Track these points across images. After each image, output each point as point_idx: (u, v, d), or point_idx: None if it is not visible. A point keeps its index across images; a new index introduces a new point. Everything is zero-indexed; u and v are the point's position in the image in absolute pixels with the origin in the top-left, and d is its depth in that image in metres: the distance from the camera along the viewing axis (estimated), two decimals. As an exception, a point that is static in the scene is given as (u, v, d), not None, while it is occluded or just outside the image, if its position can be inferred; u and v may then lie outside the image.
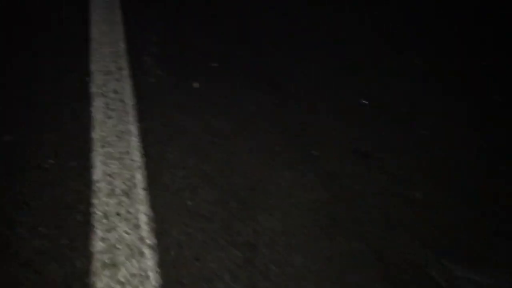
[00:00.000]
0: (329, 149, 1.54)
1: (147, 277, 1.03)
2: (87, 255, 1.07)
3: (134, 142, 1.44)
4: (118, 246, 1.10)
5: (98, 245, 1.09)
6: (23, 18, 2.03)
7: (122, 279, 1.02)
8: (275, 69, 1.94)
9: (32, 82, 1.64)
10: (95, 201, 1.21)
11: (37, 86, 1.63)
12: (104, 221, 1.16)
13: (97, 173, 1.30)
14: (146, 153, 1.41)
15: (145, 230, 1.15)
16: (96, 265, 1.05)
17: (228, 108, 1.67)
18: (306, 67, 1.99)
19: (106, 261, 1.06)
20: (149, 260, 1.08)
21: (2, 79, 1.65)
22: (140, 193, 1.26)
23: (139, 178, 1.31)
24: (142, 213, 1.20)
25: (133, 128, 1.49)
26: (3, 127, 1.42)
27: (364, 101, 1.83)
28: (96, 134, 1.44)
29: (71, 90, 1.63)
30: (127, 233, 1.13)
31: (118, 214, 1.18)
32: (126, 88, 1.67)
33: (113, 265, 1.05)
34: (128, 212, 1.19)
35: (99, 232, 1.13)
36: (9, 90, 1.59)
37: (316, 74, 1.96)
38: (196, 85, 1.78)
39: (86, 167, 1.32)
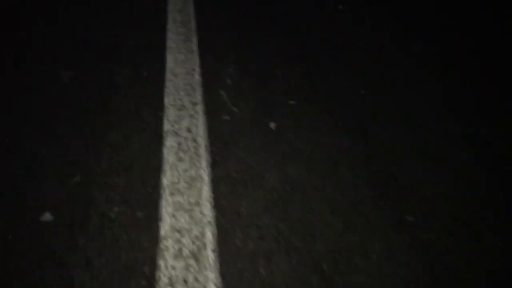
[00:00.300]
0: (425, 214, 1.33)
1: None
2: (148, 333, 0.94)
3: (206, 191, 1.31)
4: (183, 324, 0.96)
5: (161, 321, 0.96)
6: (98, 44, 2.01)
7: None
8: (362, 111, 1.74)
9: (102, 116, 1.58)
10: (161, 262, 1.09)
11: (108, 120, 1.56)
12: (170, 289, 1.03)
13: (165, 227, 1.18)
14: (218, 205, 1.27)
15: (213, 305, 1.01)
16: None
17: (307, 155, 1.50)
18: (396, 107, 1.78)
19: None
20: None
21: (69, 111, 1.60)
22: (210, 256, 1.12)
23: (209, 236, 1.17)
24: (211, 282, 1.06)
25: (205, 174, 1.36)
26: (70, 167, 1.35)
27: (463, 153, 1.59)
28: (167, 180, 1.33)
29: (143, 126, 1.55)
30: (193, 307, 1.00)
31: (185, 281, 1.05)
32: (200, 126, 1.56)
33: None
34: (196, 279, 1.06)
35: (163, 303, 1.00)
36: (79, 126, 1.54)
37: (408, 116, 1.74)
38: (272, 125, 1.63)
39: (153, 219, 1.21)
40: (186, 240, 1.15)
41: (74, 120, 1.55)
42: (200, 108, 1.66)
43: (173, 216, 1.22)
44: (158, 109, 1.64)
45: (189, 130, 1.54)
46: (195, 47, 2.05)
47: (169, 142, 1.48)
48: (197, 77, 1.84)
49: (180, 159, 1.41)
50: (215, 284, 1.05)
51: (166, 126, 1.56)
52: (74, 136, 1.48)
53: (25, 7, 2.24)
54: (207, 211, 1.25)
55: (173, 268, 1.08)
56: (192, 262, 1.10)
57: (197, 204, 1.26)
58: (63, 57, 1.89)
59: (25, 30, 2.05)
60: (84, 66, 1.84)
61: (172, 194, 1.29)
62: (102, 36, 2.05)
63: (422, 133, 1.66)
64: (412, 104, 1.82)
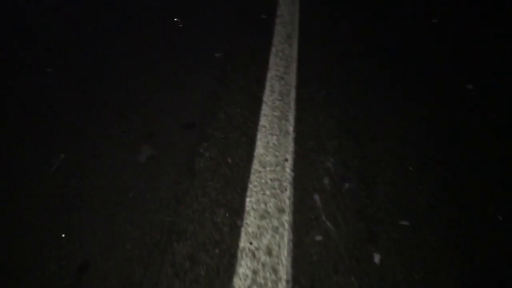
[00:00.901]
0: None
1: None
2: None
3: None
4: None
5: None
6: (187, 117, 1.82)
7: None
8: (500, 249, 1.30)
9: (171, 216, 1.34)
10: None
11: (176, 224, 1.32)
12: None
13: None
14: None
15: None
16: None
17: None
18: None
19: None
20: None
21: (136, 203, 1.39)
22: None
23: None
24: None
25: (282, 332, 1.04)
26: (132, 269, 1.12)
27: None
28: (231, 332, 1.03)
29: (216, 237, 1.28)
30: None
31: None
32: (284, 247, 1.25)
33: None
34: None
35: None
36: (142, 230, 1.32)
37: None
38: (377, 258, 1.26)
39: None
40: None
41: (138, 220, 1.33)
42: (287, 219, 1.35)
43: None
44: (236, 213, 1.37)
45: (269, 252, 1.24)
46: (291, 127, 1.77)
47: (243, 269, 1.19)
48: (288, 171, 1.54)
49: (253, 299, 1.11)
50: None
51: (243, 241, 1.27)
52: (132, 245, 1.26)
53: (107, 74, 2.15)
54: None
55: None
56: None
57: None
58: (147, 128, 1.72)
59: (105, 98, 1.94)
60: (166, 143, 1.65)
61: None
62: (191, 107, 1.86)
63: None
64: None
